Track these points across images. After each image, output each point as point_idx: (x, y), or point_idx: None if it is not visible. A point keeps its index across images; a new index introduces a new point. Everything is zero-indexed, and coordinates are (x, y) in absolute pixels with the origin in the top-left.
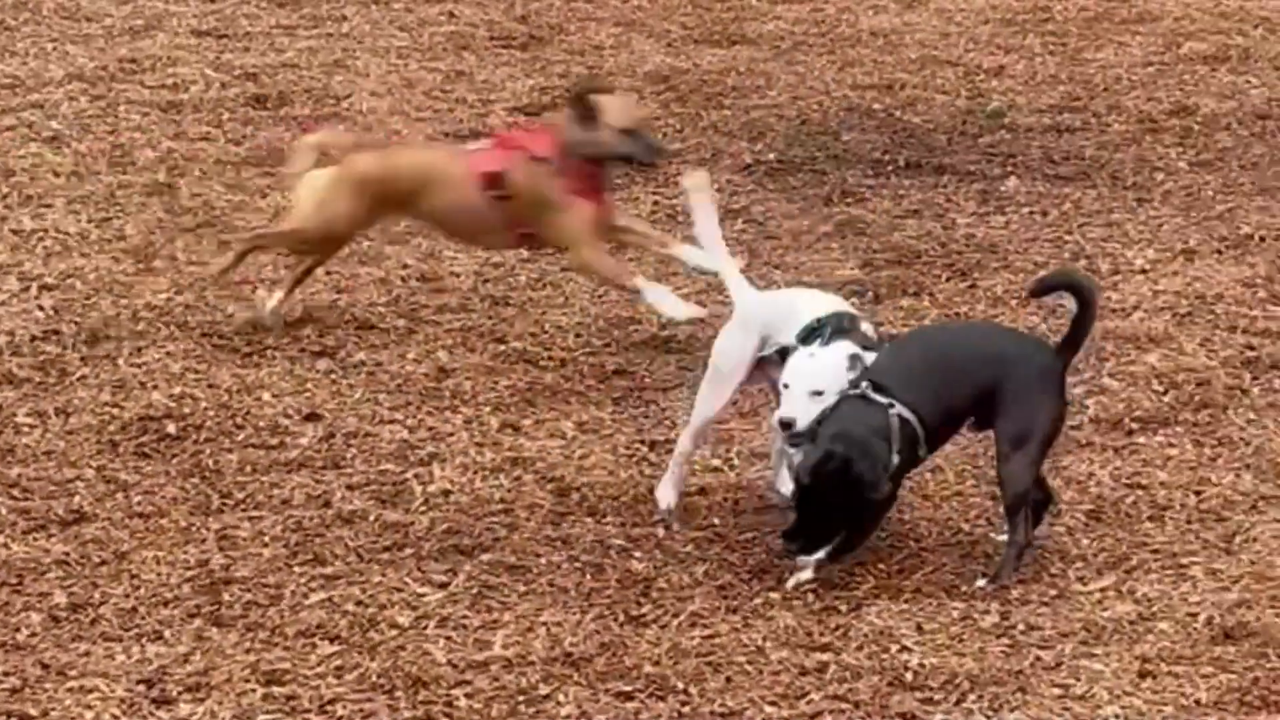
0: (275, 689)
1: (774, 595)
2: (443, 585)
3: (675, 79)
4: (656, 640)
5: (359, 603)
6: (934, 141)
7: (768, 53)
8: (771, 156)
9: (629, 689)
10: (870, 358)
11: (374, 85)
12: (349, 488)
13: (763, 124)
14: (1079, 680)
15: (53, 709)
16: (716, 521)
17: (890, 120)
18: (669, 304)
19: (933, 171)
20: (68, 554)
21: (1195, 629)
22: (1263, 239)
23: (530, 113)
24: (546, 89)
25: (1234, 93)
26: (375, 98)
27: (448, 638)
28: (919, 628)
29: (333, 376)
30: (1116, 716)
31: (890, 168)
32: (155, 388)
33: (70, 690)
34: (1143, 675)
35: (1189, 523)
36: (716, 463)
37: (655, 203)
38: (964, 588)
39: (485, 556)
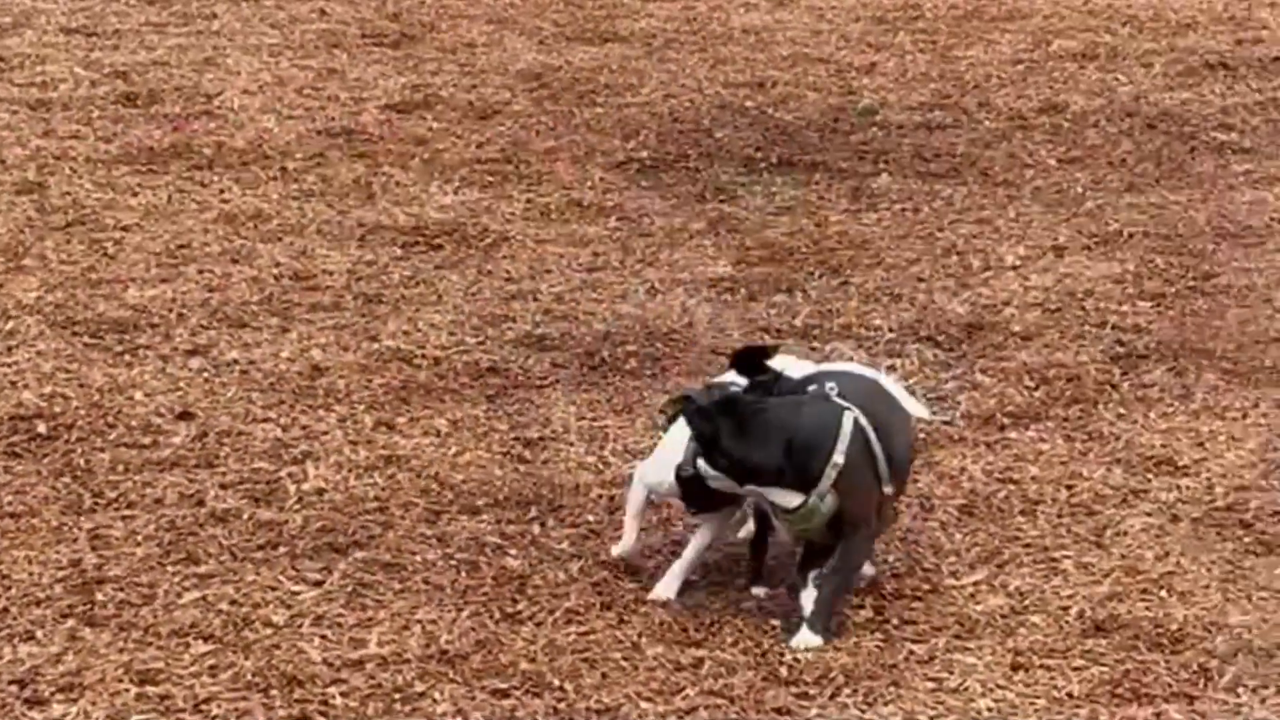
0: (149, 689)
1: (645, 593)
2: (317, 584)
3: (548, 76)
4: (532, 637)
5: (233, 602)
6: (806, 139)
7: (640, 50)
8: (644, 154)
9: (505, 686)
10: None
11: (245, 83)
12: (222, 486)
13: (635, 121)
14: (952, 674)
15: None
16: (591, 519)
17: (762, 117)
18: None
19: (805, 168)
20: None
21: (1067, 622)
22: (1131, 235)
23: (402, 110)
24: (419, 87)
25: (1103, 90)
26: (246, 95)
27: (323, 636)
28: (793, 623)
29: (205, 375)
30: (990, 710)
31: (762, 165)
32: (26, 387)
33: None
34: (1015, 668)
35: (1060, 517)
36: (591, 459)
37: (528, 200)
38: None
39: (360, 554)
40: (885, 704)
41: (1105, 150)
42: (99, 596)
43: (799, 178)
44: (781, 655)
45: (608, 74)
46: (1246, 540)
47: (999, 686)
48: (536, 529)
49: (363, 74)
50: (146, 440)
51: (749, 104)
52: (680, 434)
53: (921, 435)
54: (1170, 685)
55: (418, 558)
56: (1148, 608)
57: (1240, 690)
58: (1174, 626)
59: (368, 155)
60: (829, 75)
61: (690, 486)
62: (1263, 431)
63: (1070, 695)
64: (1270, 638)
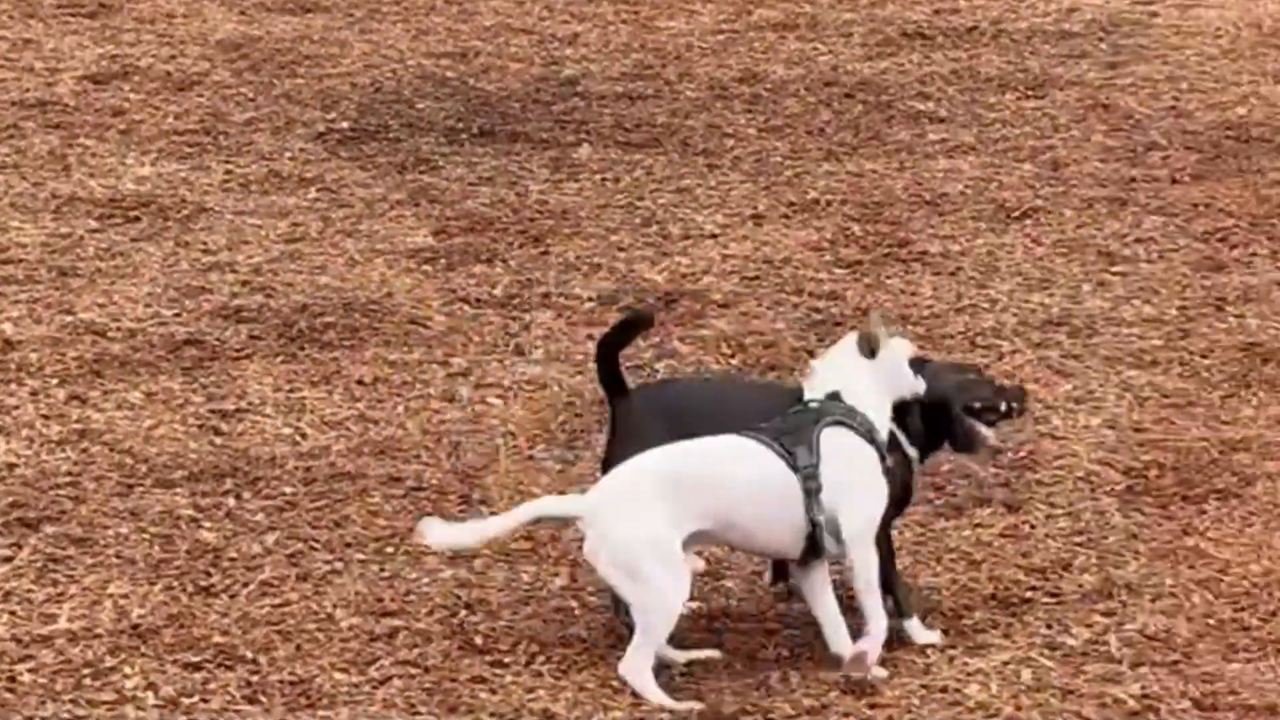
0: None
1: (343, 564)
2: (7, 559)
3: (248, 47)
4: (226, 610)
5: None
6: (508, 109)
7: (342, 20)
8: (345, 125)
9: (197, 659)
10: None
11: None
12: None
13: (336, 92)
14: None
15: None
16: (287, 490)
17: (464, 88)
18: None
19: (506, 139)
20: None
21: (760, 586)
22: (829, 203)
23: (99, 81)
24: (116, 57)
25: (802, 59)
26: None
27: (11, 612)
28: (488, 593)
29: None
30: (684, 674)
31: (464, 135)
32: None
33: None
34: (711, 632)
35: None
36: (288, 431)
37: (227, 171)
38: (537, 552)
39: (51, 529)
40: (580, 671)
41: (804, 119)
42: None
43: (500, 148)
44: (477, 625)
45: (309, 44)
46: (937, 503)
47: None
48: (232, 501)
49: (59, 44)
50: None
51: (451, 75)
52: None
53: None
54: None
55: (110, 532)
56: (840, 571)
57: (929, 650)
58: None
59: (63, 126)
60: (531, 46)
61: None
62: None
63: (764, 658)
64: (959, 599)
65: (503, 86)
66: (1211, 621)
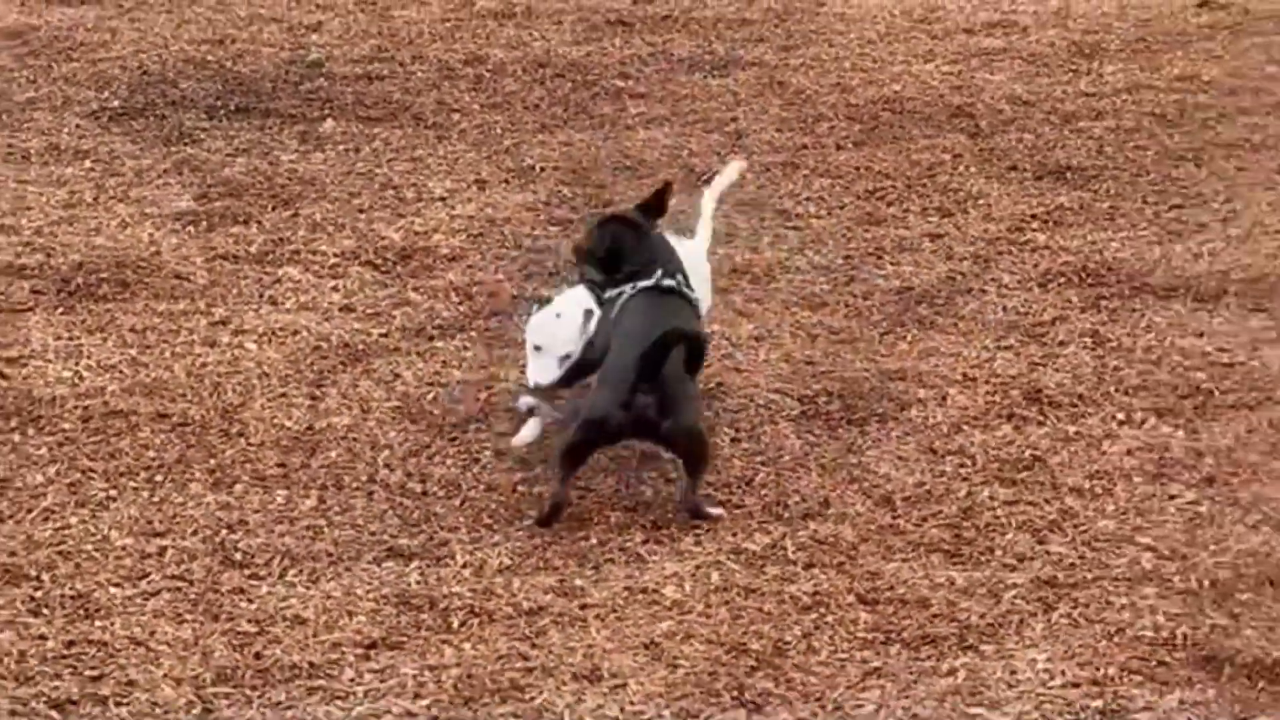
0: None
1: (117, 491)
2: None
3: (29, 35)
4: (11, 534)
5: None
6: (261, 88)
7: (113, 11)
8: (116, 103)
9: None
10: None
11: None
12: None
13: (108, 75)
14: (388, 554)
15: None
16: (67, 427)
17: (222, 70)
18: None
19: (260, 115)
20: None
21: (489, 510)
22: (543, 169)
23: None
24: None
25: (519, 45)
26: None
27: None
28: (246, 514)
29: None
30: (415, 581)
31: (222, 112)
32: None
33: None
34: (441, 544)
35: (483, 416)
36: (67, 375)
37: (9, 145)
38: (289, 476)
39: None
40: (327, 580)
41: (521, 96)
42: None
43: (254, 123)
44: (236, 542)
45: (83, 32)
46: None
47: (425, 577)
48: (17, 437)
49: None
50: None
51: (210, 58)
52: None
53: (361, 346)
54: (587, 562)
55: None
56: (581, 496)
57: (633, 558)
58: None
59: None
60: (281, 33)
61: None
62: None
63: (489, 566)
64: (658, 512)
65: (256, 69)
66: (873, 528)
